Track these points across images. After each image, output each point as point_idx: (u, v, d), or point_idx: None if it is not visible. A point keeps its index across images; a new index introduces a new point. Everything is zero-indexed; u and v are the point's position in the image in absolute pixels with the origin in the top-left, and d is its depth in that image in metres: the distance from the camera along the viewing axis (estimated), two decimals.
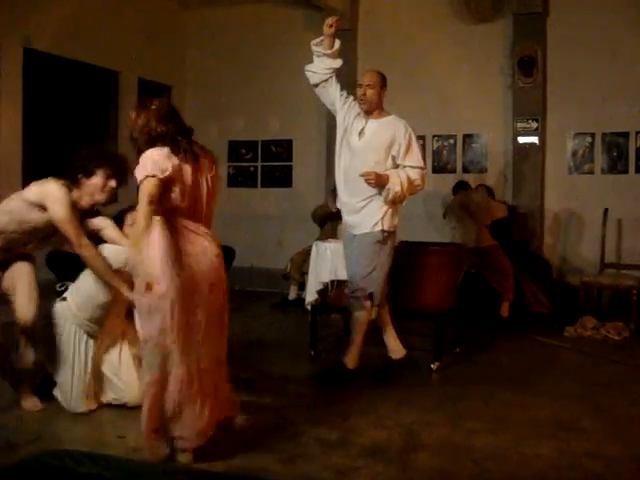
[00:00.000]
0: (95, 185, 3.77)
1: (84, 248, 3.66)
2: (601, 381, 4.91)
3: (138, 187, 3.08)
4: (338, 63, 4.80)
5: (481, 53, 7.97)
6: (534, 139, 7.74)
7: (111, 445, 3.52)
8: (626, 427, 3.94)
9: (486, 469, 3.31)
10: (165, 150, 3.05)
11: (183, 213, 3.08)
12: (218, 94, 9.12)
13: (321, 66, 4.79)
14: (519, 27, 7.73)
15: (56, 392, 3.96)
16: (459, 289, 5.56)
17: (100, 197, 3.81)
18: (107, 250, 3.87)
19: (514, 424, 3.93)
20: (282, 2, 8.85)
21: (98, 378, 4.02)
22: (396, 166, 4.69)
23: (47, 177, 3.78)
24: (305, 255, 7.14)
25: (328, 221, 7.34)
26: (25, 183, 6.96)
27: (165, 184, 3.03)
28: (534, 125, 7.71)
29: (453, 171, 8.19)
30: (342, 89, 4.85)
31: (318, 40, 4.79)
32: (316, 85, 4.86)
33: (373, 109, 4.73)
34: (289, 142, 9.00)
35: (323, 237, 6.85)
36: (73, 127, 7.81)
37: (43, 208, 3.68)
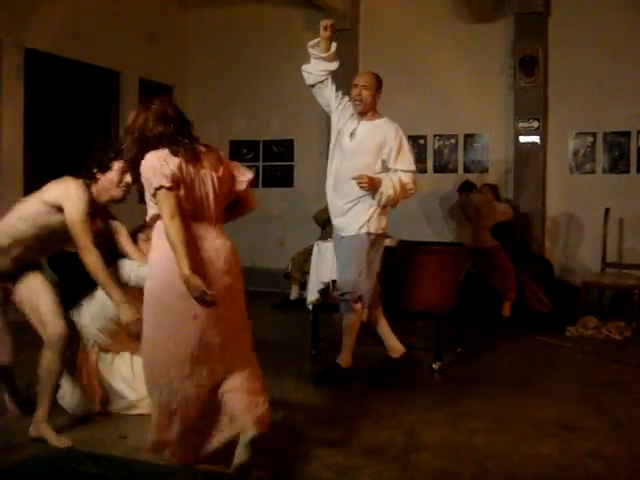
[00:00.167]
0: (111, 180, 3.66)
1: (85, 250, 3.47)
2: (603, 381, 4.91)
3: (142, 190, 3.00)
4: (334, 66, 4.79)
5: (482, 53, 7.97)
6: (535, 139, 7.73)
7: (112, 445, 3.50)
8: (628, 427, 3.93)
9: (487, 469, 3.31)
10: (164, 152, 2.95)
11: (188, 215, 2.95)
12: (219, 94, 9.12)
13: (317, 68, 4.78)
14: (520, 27, 7.72)
15: (59, 393, 3.93)
16: (460, 289, 5.56)
17: (116, 193, 3.69)
18: (128, 266, 3.82)
19: (515, 424, 3.93)
20: (283, 2, 8.84)
21: (103, 387, 3.97)
22: (387, 170, 4.66)
23: (62, 175, 3.62)
24: (306, 255, 7.14)
25: (330, 222, 7.34)
26: (26, 182, 7.11)
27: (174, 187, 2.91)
28: (535, 125, 7.70)
29: (454, 171, 8.18)
30: (338, 90, 4.84)
31: (315, 42, 4.77)
32: (312, 86, 4.85)
33: (367, 110, 4.72)
34: (290, 142, 8.99)
35: (324, 237, 6.85)
36: (74, 127, 7.81)
37: (61, 209, 3.51)
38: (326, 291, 5.43)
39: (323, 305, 5.48)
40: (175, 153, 2.95)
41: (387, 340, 4.95)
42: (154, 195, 2.88)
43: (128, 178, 3.57)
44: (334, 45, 4.75)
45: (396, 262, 5.26)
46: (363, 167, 4.61)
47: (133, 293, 3.67)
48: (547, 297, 7.03)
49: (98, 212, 3.73)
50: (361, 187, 4.56)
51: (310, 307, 5.57)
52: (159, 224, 2.96)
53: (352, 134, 4.72)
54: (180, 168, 2.93)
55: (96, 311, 3.90)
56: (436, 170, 8.23)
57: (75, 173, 3.68)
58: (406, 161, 4.68)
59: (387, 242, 6.24)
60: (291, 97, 8.47)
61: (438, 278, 5.23)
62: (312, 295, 5.52)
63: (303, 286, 7.28)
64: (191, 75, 9.36)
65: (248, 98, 8.99)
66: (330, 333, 5.76)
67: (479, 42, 7.96)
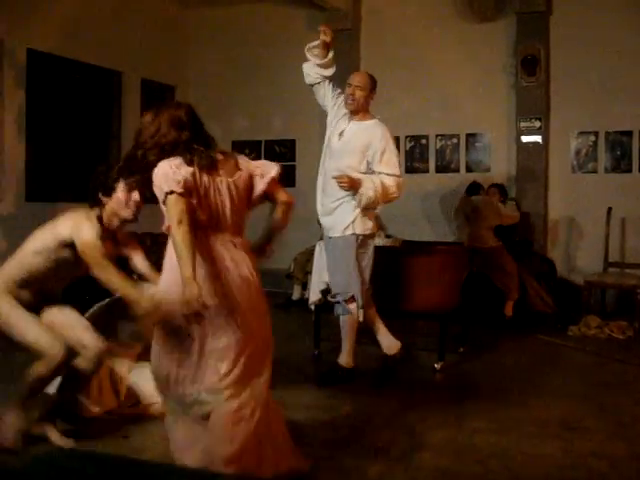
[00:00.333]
0: (118, 200, 3.49)
1: (100, 267, 3.30)
2: (605, 380, 4.90)
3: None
4: (330, 72, 4.83)
5: (484, 52, 7.97)
6: (537, 138, 7.72)
7: (115, 446, 3.50)
8: (630, 426, 3.92)
9: (490, 469, 3.30)
10: (177, 160, 2.84)
11: (204, 225, 2.86)
12: (221, 94, 9.12)
13: (314, 70, 4.84)
14: (522, 26, 7.72)
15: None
16: (463, 289, 5.55)
17: (126, 213, 3.50)
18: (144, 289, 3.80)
19: (518, 424, 3.92)
20: (284, 1, 8.85)
21: (107, 390, 3.96)
22: (371, 172, 4.65)
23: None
24: (308, 255, 7.14)
25: None
26: (28, 182, 7.12)
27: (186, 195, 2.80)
28: (537, 124, 7.69)
29: (456, 170, 8.18)
30: (335, 89, 4.87)
31: (313, 44, 4.80)
32: (311, 84, 4.92)
33: (359, 110, 4.73)
34: (292, 142, 8.99)
35: None
36: (76, 127, 7.83)
37: (74, 245, 3.38)
38: (328, 291, 5.43)
39: (325, 305, 5.47)
40: (189, 162, 2.85)
41: (383, 339, 4.95)
42: (164, 202, 2.77)
43: (136, 196, 3.46)
44: (331, 53, 4.79)
45: (398, 262, 5.26)
46: (346, 167, 4.63)
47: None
48: (550, 297, 7.03)
49: (109, 238, 3.57)
50: (341, 187, 4.57)
51: (312, 307, 5.56)
52: (171, 250, 2.83)
53: (341, 134, 4.76)
54: (194, 176, 2.82)
55: None
56: (438, 170, 8.23)
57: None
58: (390, 164, 4.66)
59: (389, 242, 6.26)
60: (293, 97, 8.46)
61: (440, 278, 5.22)
62: (314, 295, 5.51)
63: (305, 286, 7.27)
64: (192, 75, 9.36)
65: (250, 98, 8.99)
66: (332, 333, 5.74)
67: (481, 41, 7.96)
